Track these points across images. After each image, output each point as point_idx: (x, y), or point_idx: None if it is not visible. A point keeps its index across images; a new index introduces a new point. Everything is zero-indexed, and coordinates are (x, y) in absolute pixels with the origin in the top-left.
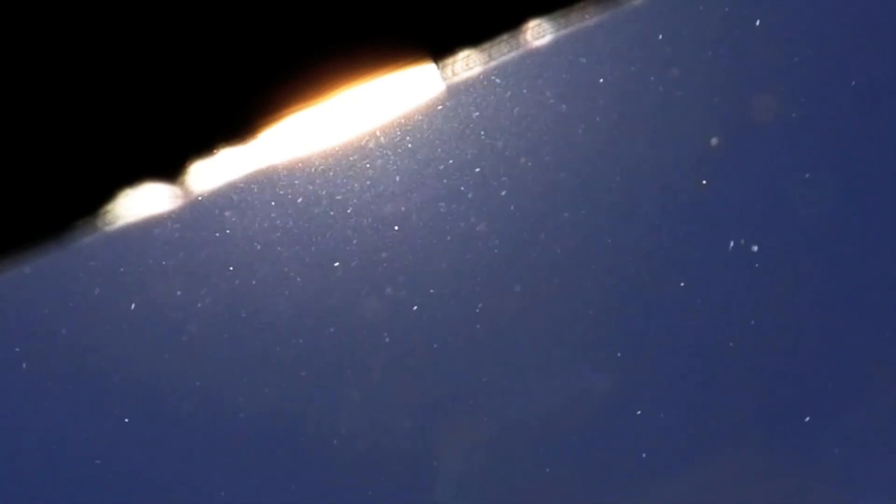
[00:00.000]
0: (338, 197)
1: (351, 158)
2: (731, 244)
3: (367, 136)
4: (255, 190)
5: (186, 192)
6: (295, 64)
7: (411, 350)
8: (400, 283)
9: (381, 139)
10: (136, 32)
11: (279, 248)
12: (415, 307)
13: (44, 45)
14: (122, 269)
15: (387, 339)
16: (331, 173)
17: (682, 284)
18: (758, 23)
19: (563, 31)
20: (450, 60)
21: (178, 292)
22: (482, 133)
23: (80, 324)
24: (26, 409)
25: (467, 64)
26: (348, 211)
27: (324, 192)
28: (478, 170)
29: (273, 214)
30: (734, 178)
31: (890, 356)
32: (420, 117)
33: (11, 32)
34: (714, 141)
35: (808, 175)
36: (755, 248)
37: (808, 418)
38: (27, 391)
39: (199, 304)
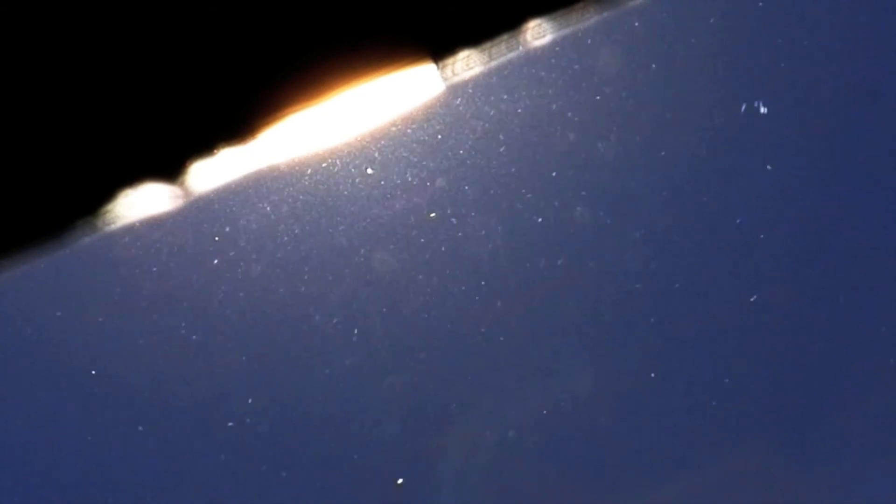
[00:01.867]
0: (338, 197)
1: (351, 158)
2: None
3: (367, 136)
4: (255, 190)
5: (186, 192)
6: (295, 64)
7: (412, 350)
8: (400, 282)
9: (381, 139)
10: (135, 32)
11: (279, 248)
12: (415, 307)
13: (44, 44)
14: (122, 269)
15: (387, 339)
16: (331, 173)
17: (683, 284)
18: (759, 22)
19: (563, 31)
20: (450, 60)
21: (178, 292)
22: (482, 133)
23: (79, 324)
24: (26, 409)
25: (467, 64)
26: (348, 211)
27: (324, 192)
28: (478, 170)
29: (273, 214)
30: (734, 177)
31: (890, 356)
32: (420, 117)
33: (11, 32)
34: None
35: (809, 175)
36: (763, 110)
37: (808, 418)
38: (27, 391)
39: (199, 305)
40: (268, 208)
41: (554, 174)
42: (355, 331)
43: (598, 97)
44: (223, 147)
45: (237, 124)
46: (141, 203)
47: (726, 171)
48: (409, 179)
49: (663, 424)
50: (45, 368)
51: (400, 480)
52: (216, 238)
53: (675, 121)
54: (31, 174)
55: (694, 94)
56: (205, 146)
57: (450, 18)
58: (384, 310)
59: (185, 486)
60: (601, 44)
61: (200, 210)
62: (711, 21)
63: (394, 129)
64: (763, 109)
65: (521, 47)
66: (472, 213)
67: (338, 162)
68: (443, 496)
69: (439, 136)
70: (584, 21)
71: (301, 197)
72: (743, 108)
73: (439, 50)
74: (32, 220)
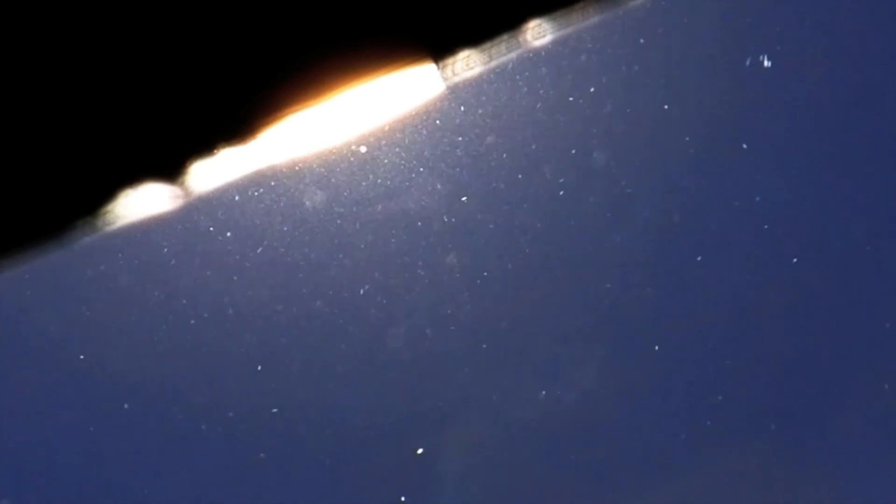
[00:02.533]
0: (338, 197)
1: (351, 158)
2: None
3: (367, 136)
4: (255, 190)
5: (186, 192)
6: (295, 64)
7: (412, 350)
8: (400, 282)
9: (381, 139)
10: (136, 32)
11: (279, 248)
12: (415, 307)
13: (44, 44)
14: (122, 269)
15: (387, 339)
16: (331, 173)
17: (683, 284)
18: (759, 22)
19: (563, 31)
20: (450, 60)
21: (178, 292)
22: (482, 133)
23: (79, 324)
24: (26, 409)
25: (467, 64)
26: (348, 211)
27: (324, 192)
28: (478, 170)
29: (273, 214)
30: (735, 176)
31: (890, 356)
32: (420, 117)
33: (11, 32)
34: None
35: (808, 175)
36: (767, 64)
37: (808, 418)
38: (27, 391)
39: (199, 305)
40: (268, 208)
41: (554, 174)
42: (355, 330)
43: (598, 97)
44: (223, 147)
45: (237, 124)
46: (141, 203)
47: (727, 171)
48: (409, 179)
49: (663, 424)
50: (46, 368)
51: (420, 450)
52: (216, 238)
53: (675, 120)
54: (31, 174)
55: (694, 93)
56: (205, 146)
57: (450, 18)
58: (384, 309)
59: (185, 485)
60: (601, 44)
61: (200, 210)
62: (712, 21)
63: (394, 129)
64: (767, 63)
65: (521, 47)
66: (472, 213)
67: (338, 162)
68: (443, 496)
69: (439, 136)
70: (584, 21)
71: (301, 197)
72: (748, 62)
73: (439, 50)
74: (32, 220)
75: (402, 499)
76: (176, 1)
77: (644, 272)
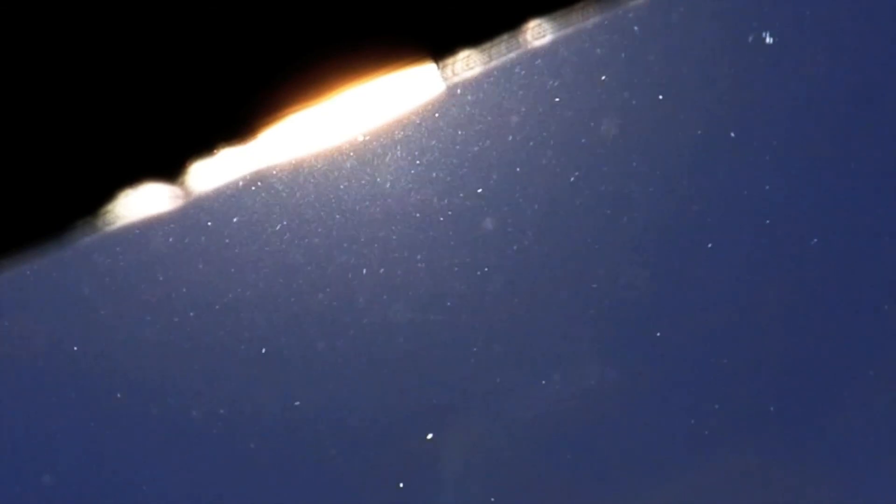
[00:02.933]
0: (338, 197)
1: (351, 158)
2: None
3: (367, 136)
4: (255, 190)
5: (186, 192)
6: (295, 64)
7: (413, 350)
8: (400, 282)
9: (381, 139)
10: (136, 32)
11: (279, 248)
12: (415, 307)
13: (44, 44)
14: (122, 269)
15: (387, 338)
16: (331, 173)
17: (684, 283)
18: (759, 22)
19: (563, 31)
20: (450, 60)
21: (178, 292)
22: (482, 133)
23: (79, 324)
24: (26, 409)
25: (467, 64)
26: (348, 211)
27: (324, 193)
28: (478, 170)
29: (273, 215)
30: (735, 176)
31: (890, 356)
32: (420, 117)
33: (11, 32)
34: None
35: (808, 175)
36: (769, 41)
37: (807, 418)
38: (27, 391)
39: (198, 305)
40: (268, 208)
41: (554, 173)
42: (355, 329)
43: (597, 97)
44: (223, 147)
45: (237, 124)
46: (141, 203)
47: (727, 170)
48: (409, 179)
49: (664, 424)
50: (46, 368)
51: (430, 436)
52: (216, 238)
53: (675, 120)
54: (31, 174)
55: (694, 93)
56: (205, 146)
57: (450, 18)
58: (384, 308)
59: (185, 485)
60: (601, 44)
61: (200, 210)
62: (711, 21)
63: (394, 129)
64: (769, 40)
65: (521, 47)
66: (472, 213)
67: (338, 162)
68: (443, 496)
69: (439, 136)
70: (584, 21)
71: (301, 197)
72: (748, 62)
73: (439, 50)
74: (32, 220)
75: (402, 498)
76: (176, 1)
77: (644, 272)
